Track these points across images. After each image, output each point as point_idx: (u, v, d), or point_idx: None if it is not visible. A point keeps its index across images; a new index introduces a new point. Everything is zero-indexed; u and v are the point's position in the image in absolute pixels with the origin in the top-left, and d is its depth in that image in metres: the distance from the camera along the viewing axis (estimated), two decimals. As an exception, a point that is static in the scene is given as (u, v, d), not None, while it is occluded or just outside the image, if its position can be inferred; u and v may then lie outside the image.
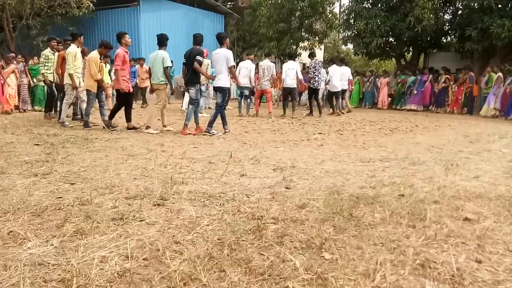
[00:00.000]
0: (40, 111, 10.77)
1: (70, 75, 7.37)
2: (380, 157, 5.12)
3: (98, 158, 4.66)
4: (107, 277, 1.89)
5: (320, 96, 12.48)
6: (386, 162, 4.79)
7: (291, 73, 10.48)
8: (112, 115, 7.45)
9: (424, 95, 14.40)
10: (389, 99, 15.58)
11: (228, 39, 7.36)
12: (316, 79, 11.05)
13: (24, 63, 11.24)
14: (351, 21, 16.73)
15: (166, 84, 7.20)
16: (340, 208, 2.89)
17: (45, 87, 10.92)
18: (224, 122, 7.22)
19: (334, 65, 11.84)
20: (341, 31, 17.99)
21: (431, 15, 14.06)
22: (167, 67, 6.99)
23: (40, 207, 2.84)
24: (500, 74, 11.92)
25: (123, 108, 7.42)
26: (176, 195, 3.21)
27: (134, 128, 7.32)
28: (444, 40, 16.23)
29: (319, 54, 20.31)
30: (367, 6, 16.35)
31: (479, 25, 13.27)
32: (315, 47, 19.30)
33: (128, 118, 7.39)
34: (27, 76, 11.03)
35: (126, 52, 7.16)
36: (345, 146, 6.12)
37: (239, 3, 24.31)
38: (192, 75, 6.98)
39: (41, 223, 2.56)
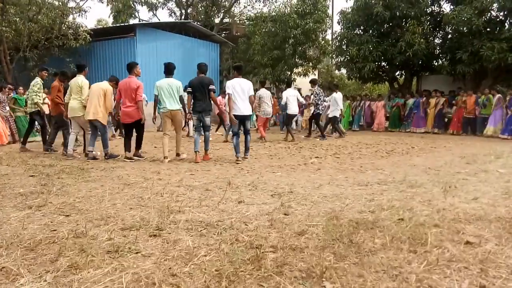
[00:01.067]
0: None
1: (86, 107, 7.30)
2: (377, 180, 5.10)
3: (94, 188, 4.61)
4: (102, 314, 1.82)
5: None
6: (384, 185, 4.77)
7: (293, 99, 10.92)
8: (139, 146, 7.45)
9: (422, 117, 14.50)
10: (386, 122, 15.70)
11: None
12: (318, 105, 11.30)
13: (8, 95, 10.77)
14: (344, 47, 17.06)
15: (180, 110, 7.28)
16: (339, 234, 2.84)
17: (27, 117, 10.61)
18: (236, 150, 7.19)
19: (335, 92, 12.14)
20: (334, 57, 18.31)
21: (422, 40, 14.37)
22: (181, 95, 7.13)
23: (34, 241, 2.78)
24: (499, 95, 12.11)
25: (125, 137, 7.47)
26: (172, 224, 3.16)
27: (131, 158, 7.24)
28: (436, 63, 16.52)
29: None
30: (358, 33, 16.71)
31: (469, 48, 13.55)
32: (309, 72, 19.59)
33: (128, 147, 7.32)
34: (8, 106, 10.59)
35: None
36: (342, 169, 6.10)
37: (233, 32, 24.79)
38: (207, 104, 7.07)
39: (35, 257, 2.49)
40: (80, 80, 7.44)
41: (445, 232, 2.91)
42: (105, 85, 7.34)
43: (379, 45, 15.61)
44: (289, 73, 19.00)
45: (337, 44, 17.57)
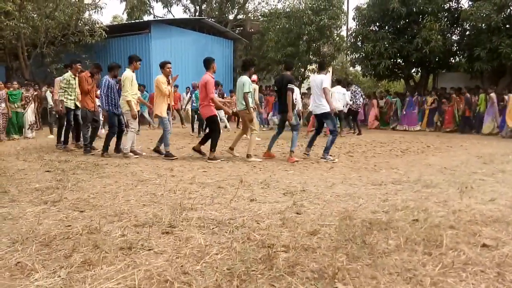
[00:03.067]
0: (16, 139, 10.31)
1: (128, 102, 6.88)
2: (392, 179, 5.03)
3: (108, 184, 4.66)
4: (114, 311, 1.84)
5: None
6: (398, 185, 4.70)
7: (337, 96, 11.17)
8: (203, 142, 7.05)
9: (414, 115, 14.70)
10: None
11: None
12: (356, 101, 11.92)
13: (6, 90, 10.44)
14: (359, 43, 16.88)
15: (245, 109, 6.89)
16: (352, 234, 2.81)
17: (25, 114, 10.69)
18: (310, 144, 7.08)
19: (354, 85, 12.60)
20: (349, 54, 18.14)
21: (439, 37, 14.11)
22: (247, 92, 6.71)
23: (49, 236, 2.82)
24: (492, 94, 12.09)
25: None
26: (185, 222, 3.17)
27: (200, 152, 7.01)
28: (453, 61, 16.23)
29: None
30: (374, 29, 16.51)
31: (487, 45, 13.26)
32: (323, 69, 19.41)
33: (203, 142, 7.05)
34: (6, 103, 10.20)
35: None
36: (355, 168, 6.04)
37: (247, 29, 24.75)
38: (286, 102, 6.76)
39: (49, 253, 2.53)
40: (123, 74, 7.01)
41: (461, 234, 2.85)
42: (157, 77, 7.04)
43: (395, 41, 15.40)
44: (303, 70, 18.89)
45: (352, 40, 17.40)
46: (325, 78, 6.82)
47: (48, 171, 5.58)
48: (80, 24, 16.36)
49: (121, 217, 3.31)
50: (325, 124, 7.06)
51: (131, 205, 3.72)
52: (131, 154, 7.03)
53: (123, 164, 6.22)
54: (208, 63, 6.84)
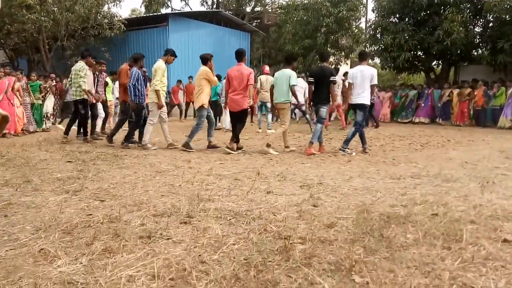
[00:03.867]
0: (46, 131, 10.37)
1: (157, 92, 6.90)
2: (411, 173, 4.97)
3: (127, 175, 4.74)
4: (134, 297, 1.88)
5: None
6: (417, 179, 4.64)
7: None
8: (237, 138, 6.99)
9: (428, 108, 14.64)
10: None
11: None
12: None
13: (26, 81, 10.29)
14: (378, 35, 16.62)
15: (290, 103, 6.99)
16: (370, 228, 2.80)
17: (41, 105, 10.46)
18: (363, 141, 6.91)
19: None
20: (368, 46, 17.87)
21: (461, 28, 13.77)
22: (294, 85, 6.76)
23: (71, 224, 2.89)
24: None
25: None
26: (202, 212, 3.21)
27: (239, 148, 6.97)
28: (475, 53, 15.83)
29: (346, 69, 20.22)
30: (394, 21, 16.21)
31: (511, 38, 12.89)
32: (342, 62, 19.24)
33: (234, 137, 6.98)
34: (29, 94, 10.12)
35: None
36: (373, 162, 5.98)
37: (265, 21, 24.64)
38: (325, 94, 6.75)
39: (71, 240, 2.60)
40: (156, 64, 7.03)
41: (481, 229, 2.80)
42: (202, 68, 6.99)
43: (415, 33, 15.10)
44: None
45: (371, 32, 17.14)
46: (375, 73, 6.73)
47: (70, 161, 5.71)
48: (99, 17, 16.58)
49: (140, 207, 3.37)
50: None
51: (149, 195, 3.78)
52: (149, 145, 7.09)
53: (142, 156, 6.30)
54: (241, 55, 6.83)
